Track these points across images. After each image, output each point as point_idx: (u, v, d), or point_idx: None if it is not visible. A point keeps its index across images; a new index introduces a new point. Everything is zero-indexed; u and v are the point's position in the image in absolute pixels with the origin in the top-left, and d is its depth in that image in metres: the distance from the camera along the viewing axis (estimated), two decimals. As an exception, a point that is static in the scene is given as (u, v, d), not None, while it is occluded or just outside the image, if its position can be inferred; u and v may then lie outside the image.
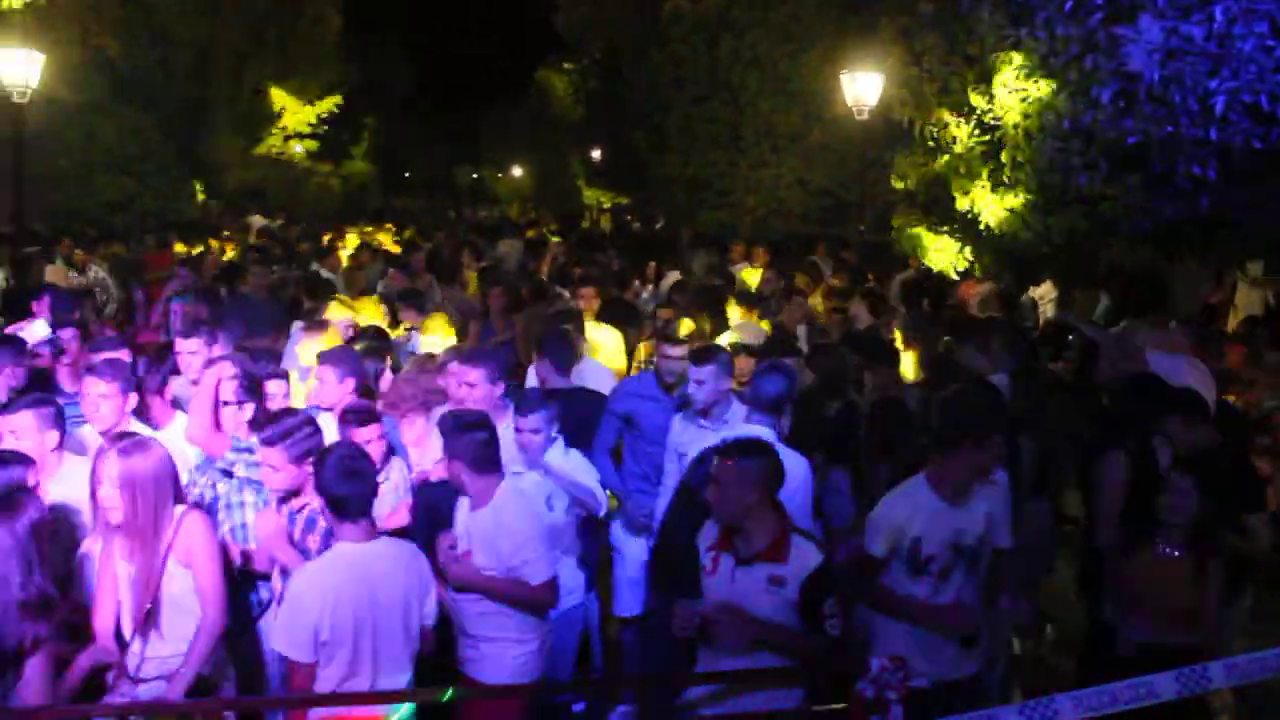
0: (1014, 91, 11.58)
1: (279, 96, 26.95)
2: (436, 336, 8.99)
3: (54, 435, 5.37)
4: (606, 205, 33.35)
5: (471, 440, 5.01)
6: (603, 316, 9.89)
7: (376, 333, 8.41)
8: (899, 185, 14.95)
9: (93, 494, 4.71)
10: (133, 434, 5.07)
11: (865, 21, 18.17)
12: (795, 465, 5.37)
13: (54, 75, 16.03)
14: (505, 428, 5.85)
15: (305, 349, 7.90)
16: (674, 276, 15.25)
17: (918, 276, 13.93)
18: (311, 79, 27.88)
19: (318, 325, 8.64)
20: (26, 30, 12.02)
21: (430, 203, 45.47)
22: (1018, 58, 11.52)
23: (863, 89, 16.95)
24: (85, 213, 21.75)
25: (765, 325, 9.97)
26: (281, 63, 26.39)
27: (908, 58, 13.70)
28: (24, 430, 5.29)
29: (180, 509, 4.75)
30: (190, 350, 6.83)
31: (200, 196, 24.94)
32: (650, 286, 15.44)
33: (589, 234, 26.44)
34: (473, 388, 6.27)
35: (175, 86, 24.36)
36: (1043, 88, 11.22)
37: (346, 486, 4.46)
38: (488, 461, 5.05)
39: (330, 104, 29.22)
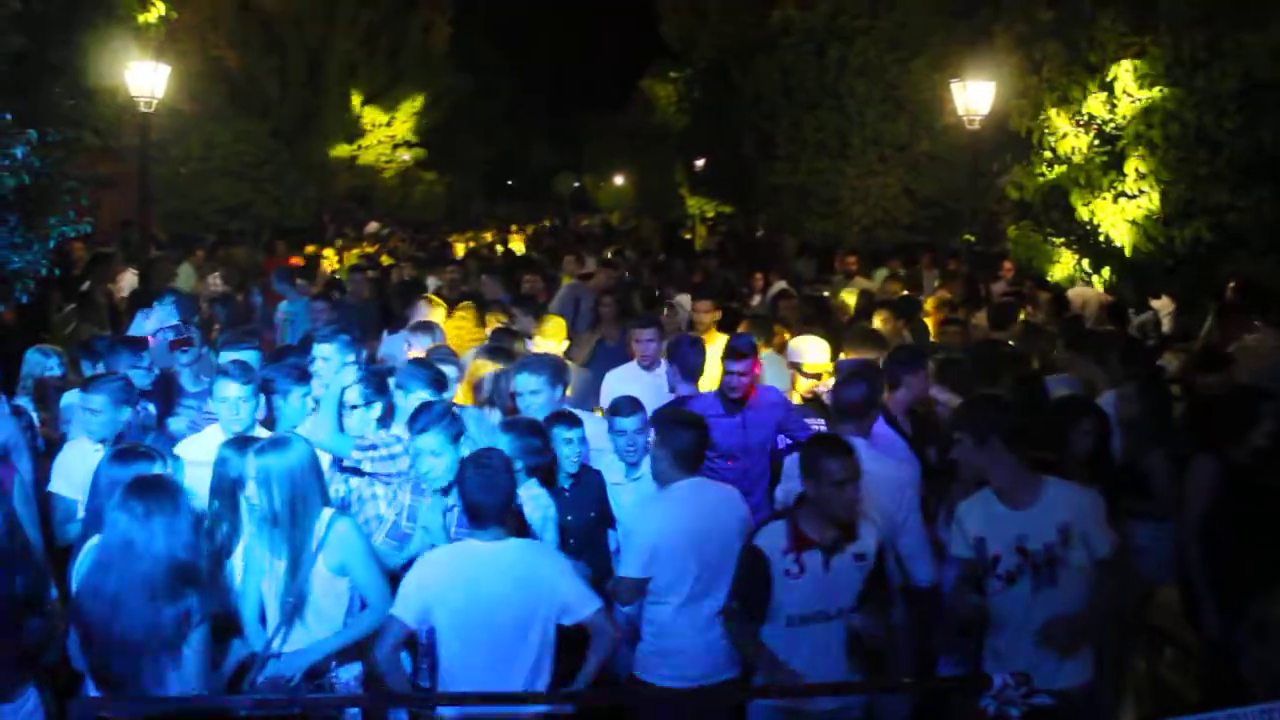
0: (1137, 101, 11.30)
1: (388, 104, 27.39)
2: (551, 342, 9.02)
3: None
4: (710, 215, 33.28)
5: (684, 437, 5.27)
6: (723, 328, 9.79)
7: (504, 336, 8.51)
8: (1014, 195, 14.66)
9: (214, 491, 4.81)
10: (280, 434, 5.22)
11: (976, 28, 17.89)
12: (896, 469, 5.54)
13: (176, 85, 16.47)
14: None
15: (415, 351, 8.04)
16: (780, 287, 15.16)
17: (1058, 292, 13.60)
18: (421, 87, 28.28)
19: (423, 327, 8.76)
20: (161, 44, 12.34)
21: (532, 210, 45.84)
22: (1141, 65, 11.23)
23: (974, 97, 16.66)
24: (202, 218, 22.37)
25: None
26: (392, 71, 26.84)
27: (1026, 66, 13.44)
28: None
29: (329, 512, 4.83)
30: (325, 356, 6.99)
31: (311, 203, 25.43)
32: (758, 298, 15.36)
33: (687, 244, 26.42)
34: (535, 394, 6.42)
35: (289, 95, 24.92)
36: (1167, 96, 10.93)
37: (484, 495, 4.56)
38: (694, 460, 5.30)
39: (437, 113, 29.64)
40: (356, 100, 26.27)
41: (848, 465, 4.76)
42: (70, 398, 6.98)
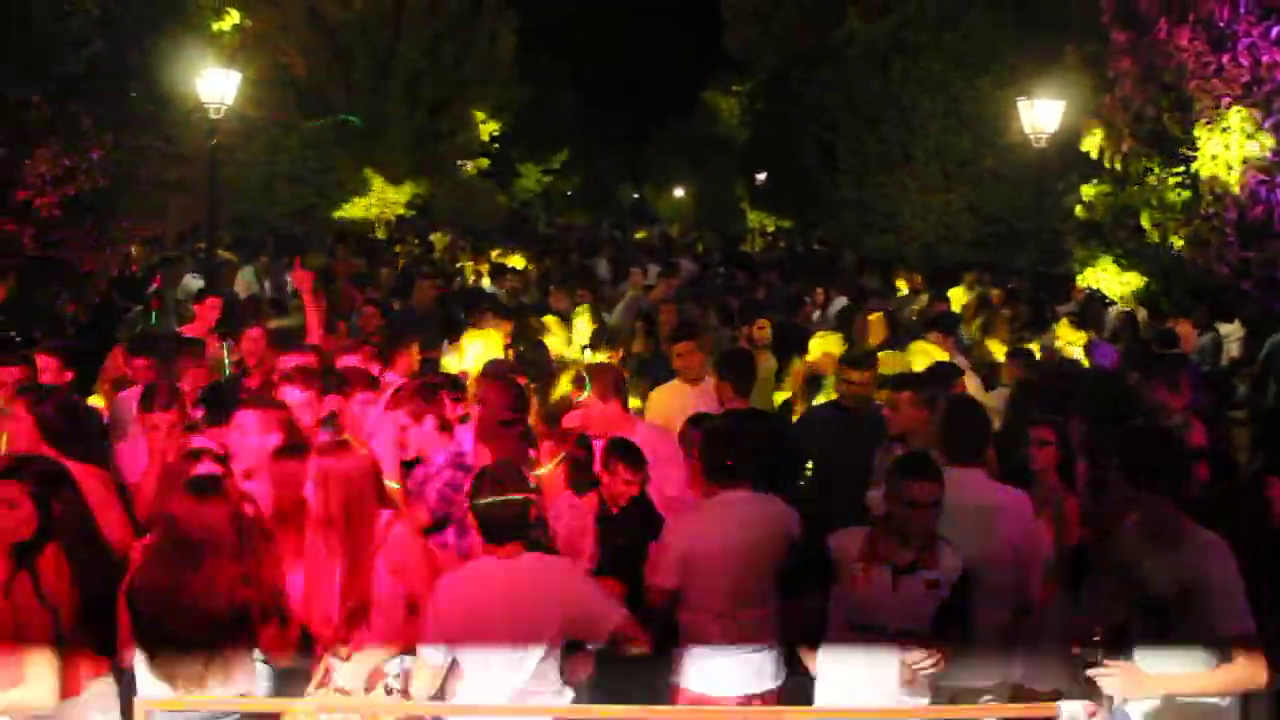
0: (1213, 123, 11.10)
1: (451, 113, 27.55)
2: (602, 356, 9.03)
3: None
4: (770, 229, 33.18)
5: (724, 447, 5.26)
6: (777, 343, 9.74)
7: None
8: (1082, 215, 14.47)
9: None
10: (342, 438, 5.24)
11: (1045, 45, 17.71)
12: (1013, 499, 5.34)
13: (243, 92, 16.68)
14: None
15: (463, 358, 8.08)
16: (841, 302, 15.05)
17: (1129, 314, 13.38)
18: (484, 97, 28.43)
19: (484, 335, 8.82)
20: (234, 52, 12.54)
21: (592, 220, 45.96)
22: (1218, 84, 11.04)
23: (1041, 115, 16.49)
24: (266, 221, 22.64)
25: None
26: (456, 80, 26.99)
27: (1098, 84, 13.26)
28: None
29: (388, 514, 4.84)
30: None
31: (374, 210, 25.65)
32: (818, 312, 15.26)
33: (747, 257, 26.31)
34: None
35: (354, 102, 25.14)
36: (1245, 118, 10.73)
37: (496, 512, 4.51)
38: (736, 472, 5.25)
39: (500, 122, 29.77)
40: (421, 108, 26.42)
41: (927, 488, 4.67)
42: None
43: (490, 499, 4.50)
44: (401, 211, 26.25)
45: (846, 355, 7.92)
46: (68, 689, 4.30)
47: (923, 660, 4.66)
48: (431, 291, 12.19)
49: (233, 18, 9.03)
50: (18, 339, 8.24)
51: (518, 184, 36.24)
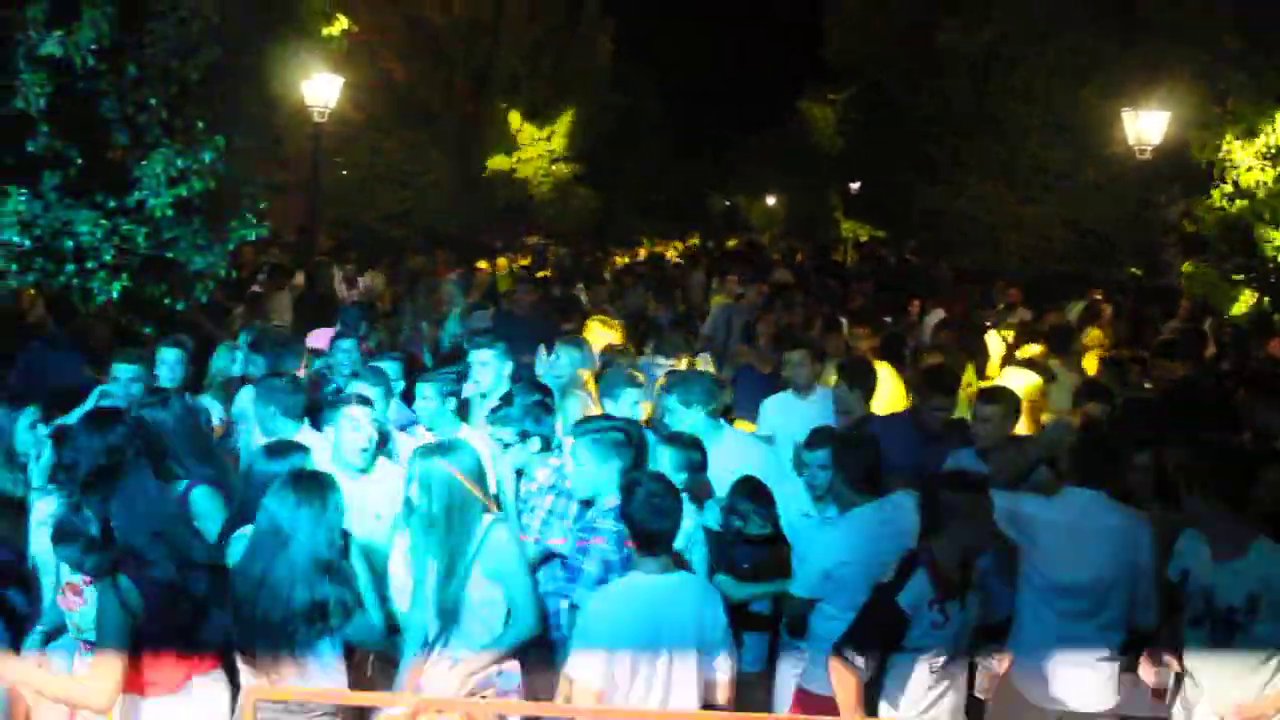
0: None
1: (548, 119, 27.79)
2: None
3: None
4: (863, 238, 32.92)
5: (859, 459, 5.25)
6: (884, 353, 9.59)
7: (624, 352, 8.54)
8: (1189, 228, 14.12)
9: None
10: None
11: (1149, 56, 17.31)
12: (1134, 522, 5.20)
13: (345, 96, 16.99)
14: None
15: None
16: (938, 314, 14.84)
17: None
18: (580, 103, 28.60)
19: (575, 342, 8.81)
20: (342, 56, 12.79)
21: (683, 228, 45.92)
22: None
23: (1146, 126, 16.14)
24: (365, 224, 23.00)
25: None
26: (553, 87, 27.23)
27: (1207, 96, 12.94)
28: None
29: (489, 518, 4.86)
30: (482, 361, 7.10)
31: (471, 213, 25.93)
32: (913, 326, 15.08)
33: (838, 266, 26.10)
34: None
35: (453, 107, 25.47)
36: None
37: (653, 522, 4.49)
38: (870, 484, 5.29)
39: (594, 128, 29.92)
40: (516, 115, 26.69)
41: (973, 499, 4.60)
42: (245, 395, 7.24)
43: (650, 510, 4.49)
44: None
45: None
46: (166, 686, 4.37)
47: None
48: (529, 297, 12.27)
49: (341, 23, 9.17)
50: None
51: (610, 189, 36.38)
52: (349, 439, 5.64)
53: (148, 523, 4.36)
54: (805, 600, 5.15)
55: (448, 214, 24.54)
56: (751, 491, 5.62)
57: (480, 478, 4.90)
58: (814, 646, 5.11)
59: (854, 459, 5.35)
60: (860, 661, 4.48)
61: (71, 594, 4.67)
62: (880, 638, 4.60)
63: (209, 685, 4.47)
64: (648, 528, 4.47)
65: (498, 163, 26.42)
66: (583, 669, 4.39)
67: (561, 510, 5.60)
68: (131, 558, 4.31)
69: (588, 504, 5.37)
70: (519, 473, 5.80)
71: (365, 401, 5.79)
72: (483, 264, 18.23)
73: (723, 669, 4.55)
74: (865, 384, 7.20)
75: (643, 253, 24.64)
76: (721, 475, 5.92)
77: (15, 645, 4.90)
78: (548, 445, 5.86)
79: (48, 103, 6.96)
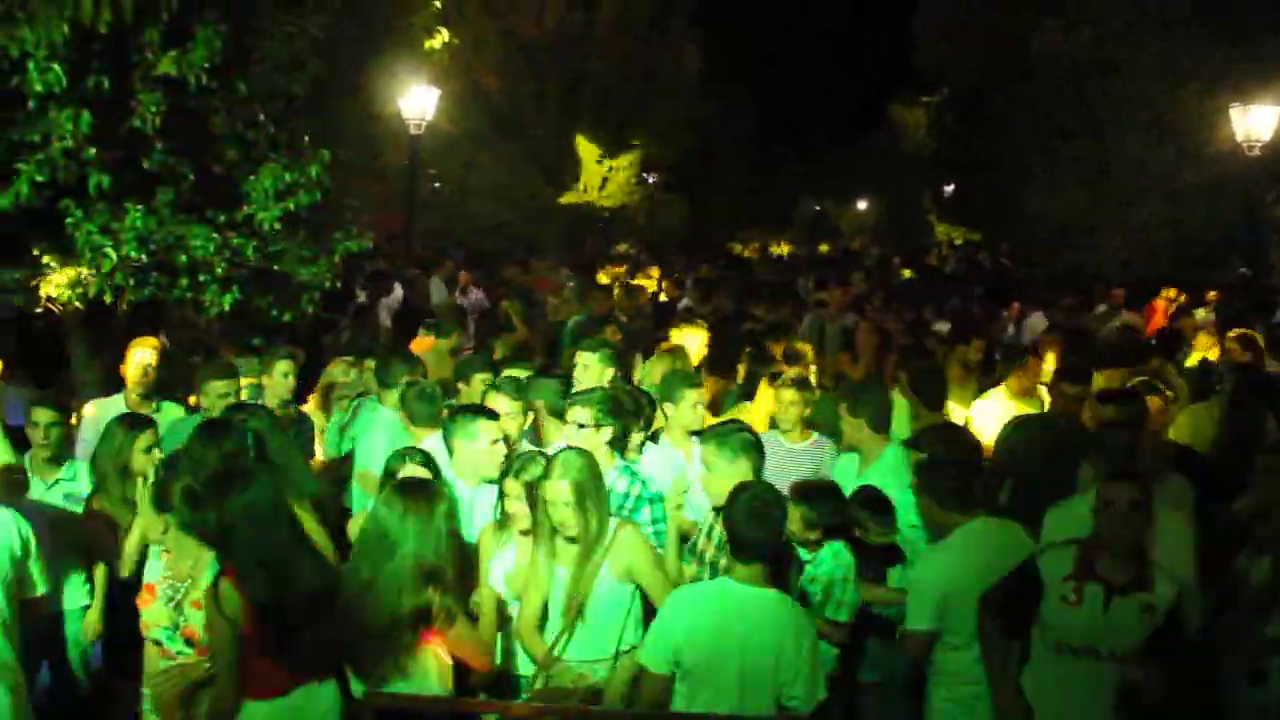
0: None
1: (638, 129, 27.93)
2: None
3: None
4: (958, 241, 32.54)
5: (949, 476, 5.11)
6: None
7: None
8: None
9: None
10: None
11: (1254, 51, 16.87)
12: None
13: (440, 108, 17.23)
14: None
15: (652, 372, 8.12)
16: (1038, 318, 14.63)
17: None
18: (670, 112, 28.68)
19: (673, 349, 8.83)
20: (444, 69, 12.97)
21: (773, 235, 45.77)
22: None
23: (1256, 123, 15.74)
24: (457, 236, 23.28)
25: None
26: (644, 97, 27.34)
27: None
28: None
29: (615, 519, 4.91)
30: (584, 364, 7.17)
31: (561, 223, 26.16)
32: (1010, 328, 14.89)
33: (937, 271, 25.83)
34: None
35: (545, 118, 25.69)
36: None
37: (750, 529, 4.46)
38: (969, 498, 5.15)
39: (684, 137, 29.98)
40: (610, 124, 26.87)
41: (1128, 491, 4.52)
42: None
43: (749, 515, 4.47)
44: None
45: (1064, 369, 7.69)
46: (263, 692, 4.46)
47: (1142, 684, 4.50)
48: (608, 304, 12.36)
49: (443, 35, 9.30)
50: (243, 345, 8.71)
51: (698, 197, 36.44)
52: (484, 452, 5.67)
53: (257, 542, 4.45)
54: (927, 634, 5.00)
55: (540, 225, 24.74)
56: (870, 500, 5.59)
57: (600, 482, 4.94)
58: (945, 684, 5.03)
59: (941, 477, 5.21)
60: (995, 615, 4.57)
61: (147, 592, 4.87)
62: (1015, 596, 4.63)
63: (308, 693, 4.53)
64: (746, 535, 4.44)
65: (590, 173, 26.55)
66: (653, 656, 4.43)
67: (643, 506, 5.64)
68: (238, 569, 4.43)
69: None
70: None
71: (492, 415, 5.83)
72: (603, 277, 18.19)
73: (799, 699, 4.37)
74: (930, 391, 7.14)
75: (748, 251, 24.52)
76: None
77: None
78: (621, 443, 5.88)
79: (163, 121, 7.14)
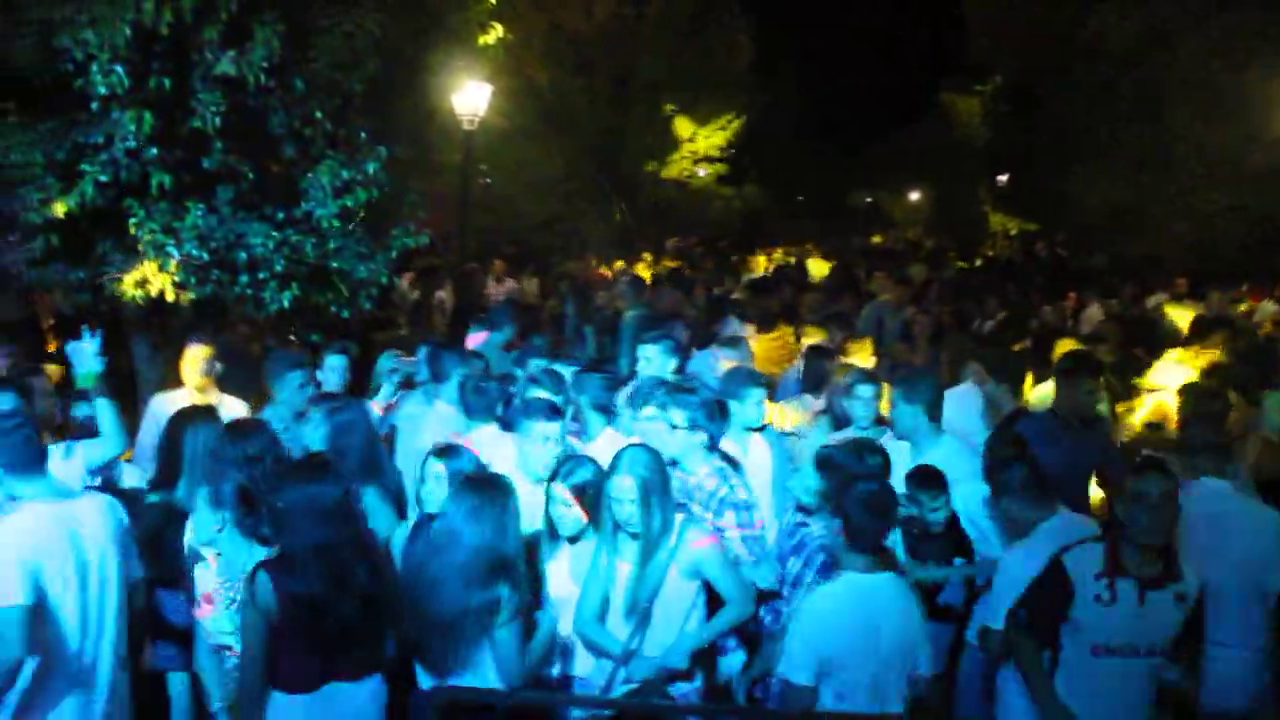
0: None
1: (689, 121, 27.83)
2: (856, 359, 8.88)
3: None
4: (1013, 231, 32.18)
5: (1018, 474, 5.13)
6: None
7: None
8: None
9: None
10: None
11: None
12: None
13: (491, 104, 17.26)
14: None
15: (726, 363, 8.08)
16: (1096, 309, 14.45)
17: None
18: (720, 105, 28.55)
19: (731, 342, 8.80)
20: (499, 65, 13.00)
21: (824, 226, 45.47)
22: None
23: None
24: (509, 231, 23.31)
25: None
26: (694, 89, 27.23)
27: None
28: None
29: (682, 517, 4.90)
30: (648, 356, 7.19)
31: (617, 216, 26.12)
32: (1069, 320, 14.69)
33: (996, 261, 25.59)
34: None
35: (596, 112, 25.68)
36: None
37: (867, 519, 4.49)
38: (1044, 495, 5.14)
39: (735, 128, 29.83)
40: (660, 117, 26.80)
41: (1160, 483, 4.46)
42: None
43: (865, 505, 4.49)
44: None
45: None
46: (303, 686, 4.51)
47: (1182, 680, 4.51)
48: (676, 300, 12.32)
49: (497, 31, 9.28)
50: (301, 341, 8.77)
51: (748, 189, 36.28)
52: (538, 451, 5.69)
53: (315, 534, 4.46)
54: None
55: (592, 219, 24.74)
56: (926, 479, 5.57)
57: (667, 479, 4.93)
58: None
59: (1005, 480, 5.20)
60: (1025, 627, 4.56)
61: (205, 602, 4.90)
62: (1044, 601, 4.59)
63: (340, 691, 4.54)
64: (862, 525, 4.47)
65: (641, 166, 26.48)
66: (799, 670, 4.41)
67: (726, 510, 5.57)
68: (283, 562, 4.45)
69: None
70: (674, 463, 5.80)
71: (557, 413, 5.85)
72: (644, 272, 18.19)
73: (925, 666, 4.55)
74: (1014, 379, 7.09)
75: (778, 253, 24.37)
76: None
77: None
78: (713, 444, 5.85)
79: (222, 120, 7.19)
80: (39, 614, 4.31)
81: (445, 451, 5.35)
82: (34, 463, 4.54)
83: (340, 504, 4.56)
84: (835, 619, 4.42)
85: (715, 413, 5.86)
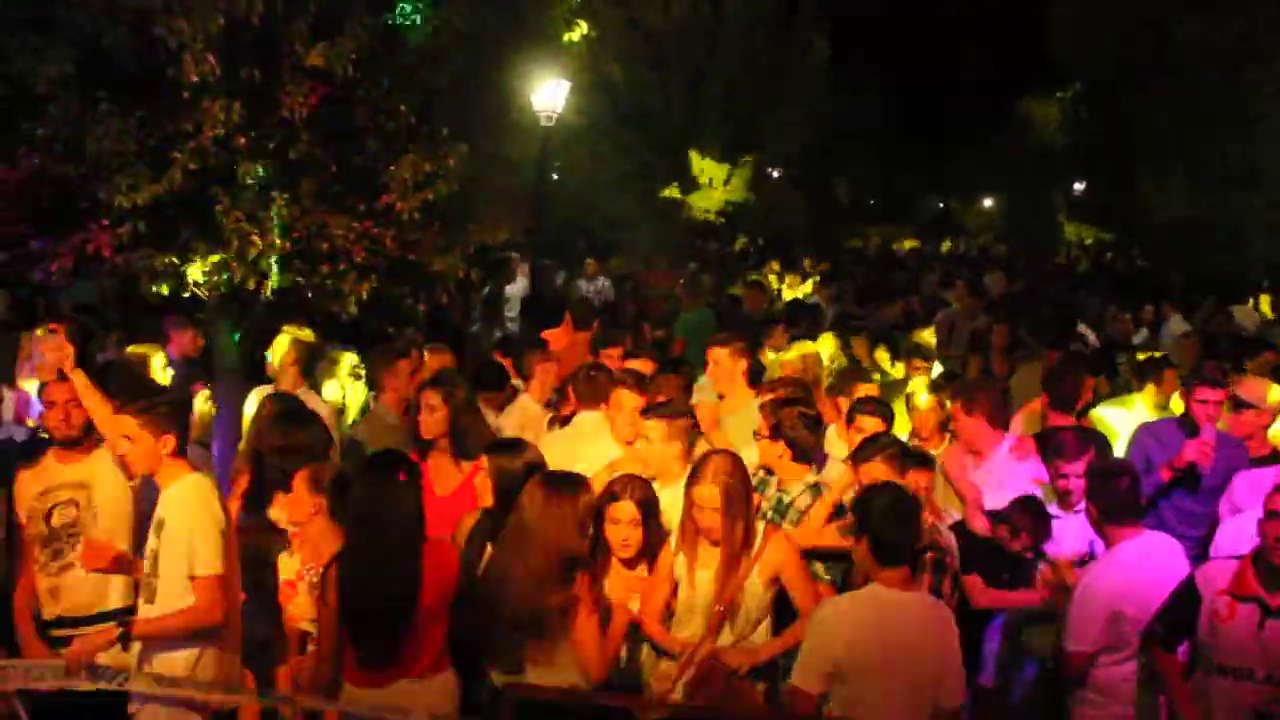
0: None
1: (764, 122, 27.70)
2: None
3: None
4: (1088, 241, 31.69)
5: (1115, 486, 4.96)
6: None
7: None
8: None
9: None
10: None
11: None
12: None
13: (567, 100, 17.29)
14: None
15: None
16: (1178, 321, 14.26)
17: None
18: (797, 106, 28.38)
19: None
20: (581, 62, 13.05)
21: (894, 232, 45.12)
22: None
23: None
24: (583, 228, 23.37)
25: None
26: (771, 90, 27.09)
27: None
28: None
29: (763, 523, 4.88)
30: (716, 360, 7.16)
31: (688, 215, 26.07)
32: (1145, 330, 14.51)
33: (1066, 270, 25.24)
34: None
35: (671, 109, 25.65)
36: None
37: (893, 532, 4.38)
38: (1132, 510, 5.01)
39: (808, 131, 29.68)
40: (735, 117, 26.69)
41: None
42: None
43: (890, 517, 4.41)
44: (712, 218, 26.53)
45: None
46: (363, 680, 4.59)
47: None
48: (761, 301, 12.31)
49: (581, 28, 9.30)
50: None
51: (820, 193, 36.03)
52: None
53: (369, 535, 4.53)
54: (1089, 655, 4.90)
55: (660, 220, 24.72)
56: (1030, 509, 5.48)
57: (749, 487, 4.91)
58: (1105, 695, 4.91)
59: (1110, 487, 5.06)
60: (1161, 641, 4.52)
61: (288, 588, 4.96)
62: (1175, 615, 4.55)
63: (407, 688, 4.57)
64: (887, 538, 4.37)
65: (715, 168, 26.39)
66: (808, 675, 4.34)
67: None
68: (347, 550, 4.54)
69: None
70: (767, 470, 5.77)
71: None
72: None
73: (951, 695, 4.36)
74: (1059, 392, 7.01)
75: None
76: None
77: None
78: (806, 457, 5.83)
79: (309, 112, 7.26)
80: None
81: (504, 447, 5.36)
82: None
83: (401, 486, 4.62)
84: (851, 627, 4.32)
85: (812, 423, 5.78)
